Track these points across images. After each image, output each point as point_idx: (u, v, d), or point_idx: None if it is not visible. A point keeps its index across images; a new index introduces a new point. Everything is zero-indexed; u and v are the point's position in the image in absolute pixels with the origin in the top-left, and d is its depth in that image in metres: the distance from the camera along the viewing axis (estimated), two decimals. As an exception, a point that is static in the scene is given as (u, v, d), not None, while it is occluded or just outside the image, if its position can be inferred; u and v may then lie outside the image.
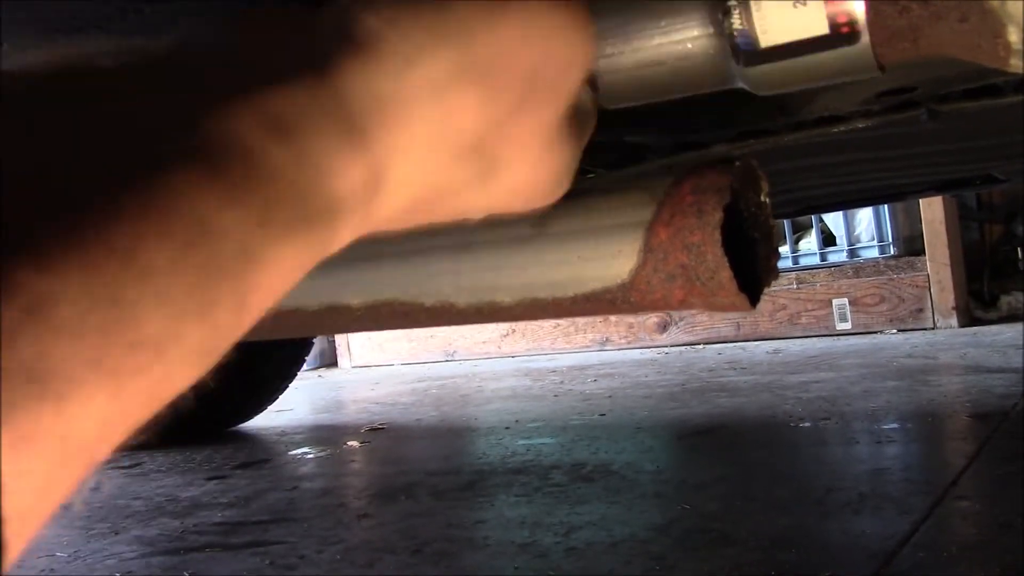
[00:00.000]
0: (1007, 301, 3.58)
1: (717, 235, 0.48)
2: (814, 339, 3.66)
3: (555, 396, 2.77)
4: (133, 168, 0.22)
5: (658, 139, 0.88)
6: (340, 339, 4.71)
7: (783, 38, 0.41)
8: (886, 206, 3.56)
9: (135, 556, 1.43)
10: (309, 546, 1.37)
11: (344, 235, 0.28)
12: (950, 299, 3.54)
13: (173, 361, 0.22)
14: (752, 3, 0.41)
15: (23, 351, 0.18)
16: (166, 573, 1.33)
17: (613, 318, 4.01)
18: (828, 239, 3.80)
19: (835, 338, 3.62)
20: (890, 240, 3.65)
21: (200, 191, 0.22)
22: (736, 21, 0.41)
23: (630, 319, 3.99)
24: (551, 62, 0.32)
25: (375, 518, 1.52)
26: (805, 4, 0.40)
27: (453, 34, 0.29)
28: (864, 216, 3.68)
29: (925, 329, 3.56)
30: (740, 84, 0.44)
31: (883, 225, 3.66)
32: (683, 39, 0.43)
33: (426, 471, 1.83)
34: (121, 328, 0.20)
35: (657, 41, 0.44)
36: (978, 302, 3.64)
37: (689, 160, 0.91)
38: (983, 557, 1.04)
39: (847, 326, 3.69)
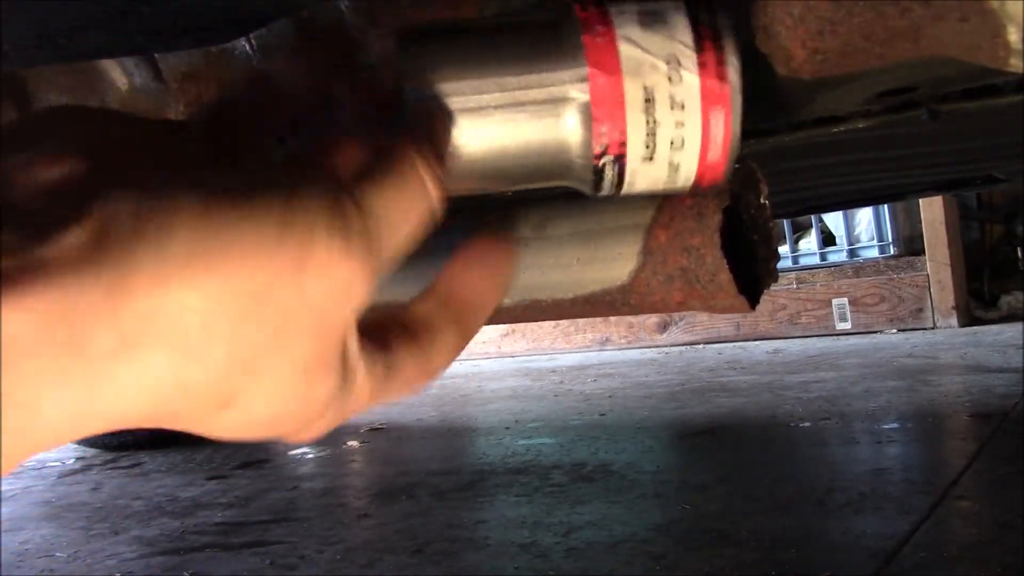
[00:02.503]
0: (1007, 301, 3.58)
1: (716, 238, 0.48)
2: (814, 339, 3.66)
3: (555, 396, 2.77)
4: None
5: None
6: (340, 339, 4.70)
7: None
8: (886, 206, 3.56)
9: (135, 556, 1.43)
10: (309, 546, 1.37)
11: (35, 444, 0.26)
12: (950, 299, 3.54)
13: None
14: (625, 189, 0.41)
15: None
16: (166, 573, 1.33)
17: (613, 318, 4.01)
18: (828, 239, 3.80)
19: (835, 338, 3.62)
20: (890, 240, 3.65)
21: None
22: (605, 190, 0.41)
23: (630, 319, 3.99)
24: (314, 303, 0.29)
25: (375, 518, 1.52)
26: (674, 186, 0.41)
27: (204, 270, 0.26)
28: (864, 216, 3.68)
29: (925, 329, 3.56)
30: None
31: (883, 225, 3.66)
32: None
33: (426, 471, 1.83)
34: None
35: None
36: (978, 302, 3.64)
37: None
38: (983, 557, 1.04)
39: (847, 326, 3.69)
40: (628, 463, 1.71)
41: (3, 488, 2.10)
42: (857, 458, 1.61)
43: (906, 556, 1.06)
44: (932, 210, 3.53)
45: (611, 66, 0.37)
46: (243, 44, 0.69)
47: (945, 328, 3.52)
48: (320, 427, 0.33)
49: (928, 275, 3.57)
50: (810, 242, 3.80)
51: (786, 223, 3.74)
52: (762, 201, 0.51)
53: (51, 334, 0.24)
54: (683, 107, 0.37)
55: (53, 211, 0.26)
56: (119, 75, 0.73)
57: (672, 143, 0.38)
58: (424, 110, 0.38)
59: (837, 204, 1.88)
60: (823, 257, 3.77)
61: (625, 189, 0.40)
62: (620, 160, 0.38)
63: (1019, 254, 3.68)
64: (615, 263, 0.54)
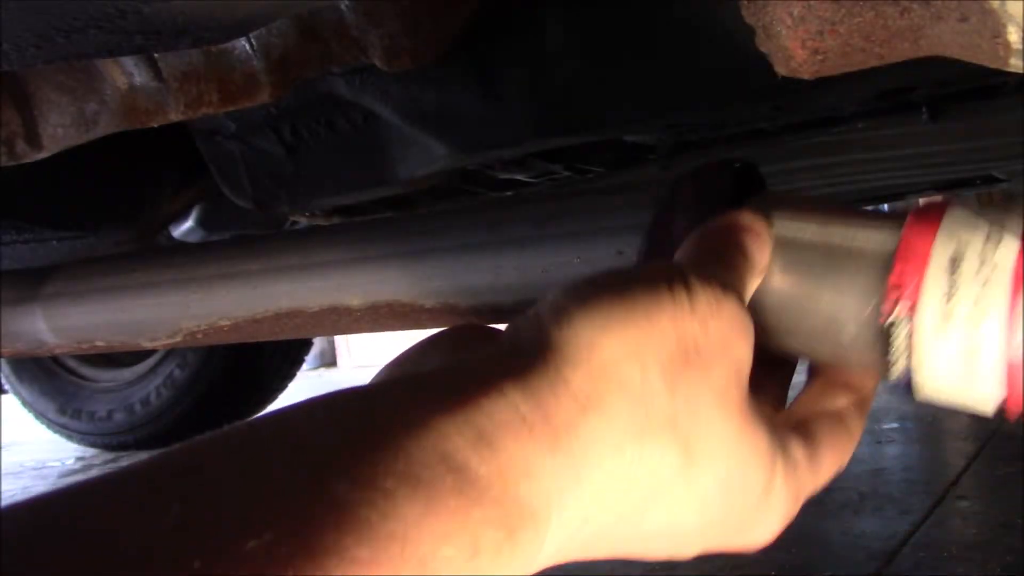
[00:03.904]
0: (1007, 301, 3.58)
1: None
2: (814, 339, 3.65)
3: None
4: (361, 506, 0.22)
5: (658, 139, 0.88)
6: (340, 338, 4.70)
7: (943, 399, 0.37)
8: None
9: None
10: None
11: (539, 553, 0.27)
12: (950, 299, 3.54)
13: None
14: (915, 370, 0.36)
15: None
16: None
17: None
18: (828, 239, 3.79)
19: (835, 338, 3.62)
20: (890, 240, 3.65)
21: (421, 529, 0.23)
22: (896, 370, 0.37)
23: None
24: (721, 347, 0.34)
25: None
26: (974, 388, 0.35)
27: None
28: (864, 216, 3.68)
29: (925, 329, 3.56)
30: None
31: (883, 225, 3.66)
32: (849, 354, 0.40)
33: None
34: None
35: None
36: (978, 302, 3.64)
37: (689, 161, 0.91)
38: (983, 557, 1.04)
39: (847, 326, 3.69)
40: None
41: (3, 489, 2.10)
42: (856, 458, 1.60)
43: (906, 556, 1.06)
44: (932, 210, 3.53)
45: (928, 228, 0.36)
46: (243, 44, 0.69)
47: (945, 328, 3.52)
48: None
49: (928, 275, 3.57)
50: (810, 242, 3.80)
51: (786, 223, 3.74)
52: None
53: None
54: (990, 281, 0.35)
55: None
56: (119, 75, 0.73)
57: (971, 317, 0.35)
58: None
59: (837, 204, 1.88)
60: (823, 257, 3.77)
61: (915, 371, 0.36)
62: (910, 320, 0.36)
63: (1019, 254, 3.68)
64: (616, 261, 0.54)
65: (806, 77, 0.47)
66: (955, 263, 0.35)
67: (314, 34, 0.69)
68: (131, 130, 0.75)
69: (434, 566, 0.23)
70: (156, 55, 0.71)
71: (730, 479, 0.32)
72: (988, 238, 0.35)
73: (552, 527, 0.27)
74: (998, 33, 0.40)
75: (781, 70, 0.47)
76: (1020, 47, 0.40)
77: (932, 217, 0.37)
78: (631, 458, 0.30)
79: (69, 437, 2.41)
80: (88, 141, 0.76)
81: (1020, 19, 0.39)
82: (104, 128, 0.75)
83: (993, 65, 0.41)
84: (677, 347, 0.31)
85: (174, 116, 0.73)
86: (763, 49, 0.47)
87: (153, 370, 2.31)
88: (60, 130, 0.76)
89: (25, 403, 2.43)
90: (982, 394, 0.35)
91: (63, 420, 2.37)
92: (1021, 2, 0.39)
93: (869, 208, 0.43)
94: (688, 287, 0.33)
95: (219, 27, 0.58)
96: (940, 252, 0.36)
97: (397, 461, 0.24)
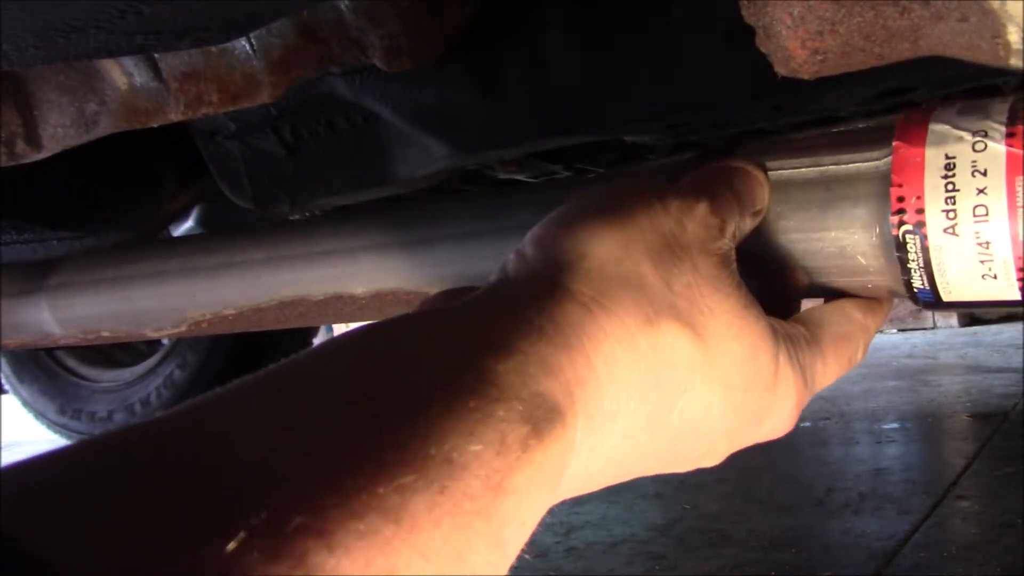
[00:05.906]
0: (1007, 301, 3.58)
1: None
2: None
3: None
4: (387, 407, 0.24)
5: (658, 139, 0.88)
6: (340, 339, 4.72)
7: (968, 298, 0.38)
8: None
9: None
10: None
11: (571, 453, 0.28)
12: (950, 299, 3.54)
13: None
14: (937, 276, 0.37)
15: None
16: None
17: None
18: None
19: (835, 338, 3.61)
20: (890, 240, 3.65)
21: (443, 429, 0.24)
22: (917, 282, 0.38)
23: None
24: (694, 242, 0.36)
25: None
26: (996, 278, 0.37)
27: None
28: (864, 216, 3.67)
29: (925, 329, 3.56)
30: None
31: (883, 225, 3.66)
32: (863, 280, 0.41)
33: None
34: None
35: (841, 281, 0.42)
36: (978, 302, 3.64)
37: (688, 158, 0.91)
38: (983, 557, 1.03)
39: (847, 326, 3.68)
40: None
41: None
42: (857, 458, 1.61)
43: (906, 556, 1.06)
44: (932, 210, 3.53)
45: (916, 140, 0.38)
46: (243, 44, 0.69)
47: (945, 328, 3.52)
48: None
49: (928, 275, 3.57)
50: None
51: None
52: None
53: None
54: (985, 174, 0.36)
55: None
56: (119, 75, 0.73)
57: (975, 211, 0.36)
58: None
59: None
60: (823, 257, 3.76)
61: (938, 276, 0.38)
62: (920, 230, 0.37)
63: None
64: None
65: (806, 77, 0.47)
66: (949, 169, 0.37)
67: (314, 34, 0.69)
68: (131, 130, 0.75)
69: (463, 461, 0.24)
70: (156, 55, 0.71)
71: (744, 362, 0.34)
72: (974, 138, 0.37)
73: (580, 424, 0.28)
74: (998, 33, 0.40)
75: (781, 70, 0.47)
76: (1020, 47, 0.40)
77: (918, 128, 0.38)
78: (645, 347, 0.32)
79: (69, 437, 2.41)
80: (88, 141, 0.76)
81: (1020, 19, 0.39)
82: (104, 128, 0.75)
83: (993, 65, 0.41)
84: (660, 241, 0.34)
85: (174, 116, 0.73)
86: (763, 49, 0.47)
87: (153, 371, 2.30)
88: (60, 130, 0.76)
89: (25, 403, 2.43)
90: (1004, 282, 0.37)
91: (63, 420, 2.37)
92: (1021, 2, 0.39)
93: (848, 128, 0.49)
94: (658, 194, 0.36)
95: (219, 27, 0.58)
96: (933, 162, 0.37)
97: (420, 373, 0.26)
